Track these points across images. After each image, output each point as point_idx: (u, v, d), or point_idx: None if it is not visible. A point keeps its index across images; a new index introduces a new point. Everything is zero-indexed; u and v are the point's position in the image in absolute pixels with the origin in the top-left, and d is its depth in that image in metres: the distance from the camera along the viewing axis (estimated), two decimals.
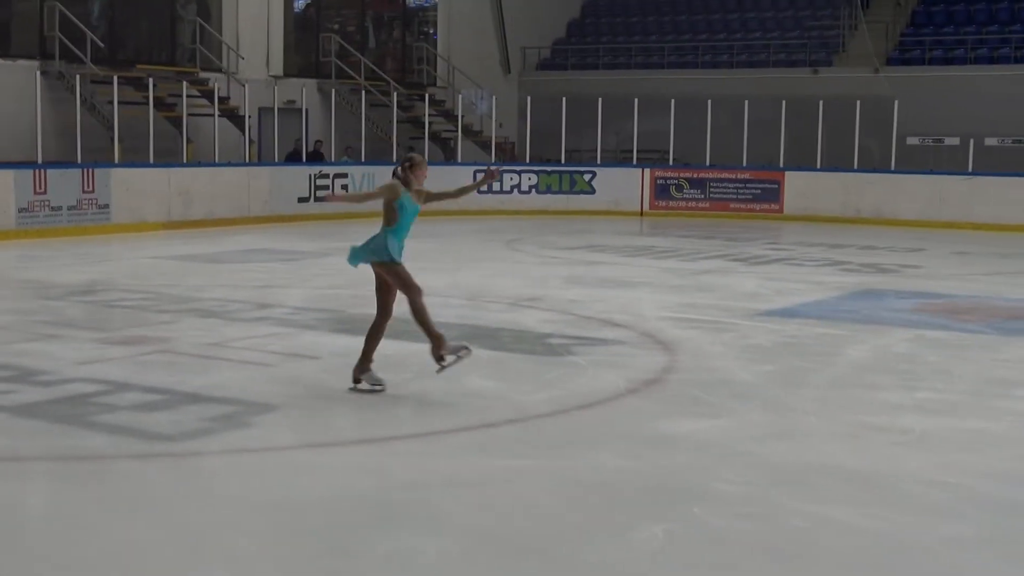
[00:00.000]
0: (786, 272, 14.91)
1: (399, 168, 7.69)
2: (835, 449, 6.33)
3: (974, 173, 24.25)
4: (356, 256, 7.57)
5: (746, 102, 25.85)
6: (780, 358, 8.95)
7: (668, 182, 25.80)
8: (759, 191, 25.39)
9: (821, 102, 25.36)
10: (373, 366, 7.52)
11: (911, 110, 25.90)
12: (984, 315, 11.41)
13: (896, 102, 25.55)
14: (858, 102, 25.31)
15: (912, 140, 25.68)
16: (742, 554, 4.70)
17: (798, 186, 24.98)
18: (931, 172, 24.86)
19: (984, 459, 6.18)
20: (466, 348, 7.62)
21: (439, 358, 7.49)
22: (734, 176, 25.65)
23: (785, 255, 17.33)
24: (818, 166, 25.34)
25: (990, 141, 24.84)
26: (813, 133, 25.29)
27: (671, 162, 26.30)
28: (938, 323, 10.84)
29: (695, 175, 25.82)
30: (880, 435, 6.67)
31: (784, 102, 25.71)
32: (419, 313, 7.41)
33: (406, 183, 7.62)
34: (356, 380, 7.54)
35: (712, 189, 25.63)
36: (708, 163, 26.00)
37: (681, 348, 9.21)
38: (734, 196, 25.48)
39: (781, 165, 25.56)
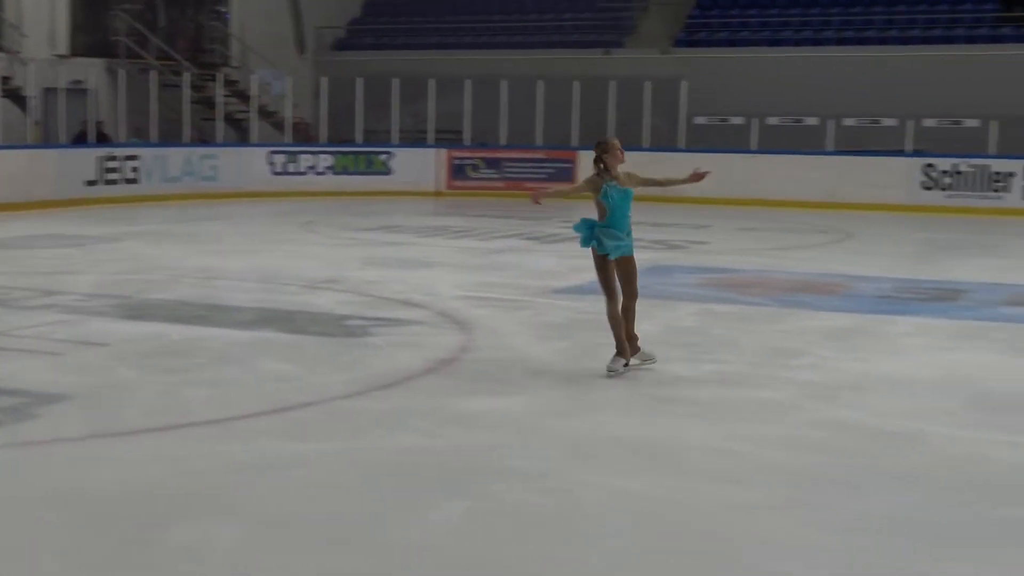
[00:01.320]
0: (580, 250, 15.13)
1: (595, 159, 7.85)
2: (627, 422, 6.48)
3: (758, 151, 25.10)
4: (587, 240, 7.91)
5: (540, 82, 26.14)
6: (575, 334, 9.10)
7: (464, 162, 25.91)
8: (554, 170, 25.72)
9: (612, 83, 25.83)
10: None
11: (698, 90, 26.58)
12: (767, 288, 11.84)
13: (684, 83, 26.19)
14: (648, 83, 25.86)
15: (699, 119, 26.35)
16: (540, 529, 4.77)
17: (591, 165, 25.42)
18: (717, 150, 25.58)
19: (769, 427, 6.41)
20: (653, 358, 7.85)
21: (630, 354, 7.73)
22: (529, 156, 25.93)
23: None
24: None
25: (772, 120, 25.68)
26: (605, 113, 25.75)
27: (467, 142, 26.40)
28: (724, 297, 11.19)
29: (491, 155, 26.00)
30: (670, 407, 6.85)
31: (577, 83, 26.08)
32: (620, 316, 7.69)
33: (607, 171, 7.80)
34: (625, 364, 7.63)
35: (508, 169, 25.85)
36: (503, 143, 26.21)
37: (478, 327, 9.27)
38: (529, 175, 25.75)
39: (575, 145, 25.93)
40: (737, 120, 26.00)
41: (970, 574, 4.37)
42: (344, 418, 6.56)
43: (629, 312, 7.81)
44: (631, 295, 7.85)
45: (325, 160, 24.92)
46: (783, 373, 7.81)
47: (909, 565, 4.48)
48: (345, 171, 25.04)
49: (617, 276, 7.86)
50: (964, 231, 19.92)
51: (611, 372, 7.60)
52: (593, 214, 7.97)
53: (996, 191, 23.81)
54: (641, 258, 14.07)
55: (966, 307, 10.86)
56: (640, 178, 8.07)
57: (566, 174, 25.59)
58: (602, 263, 7.87)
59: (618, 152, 7.94)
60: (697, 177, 8.25)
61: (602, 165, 7.95)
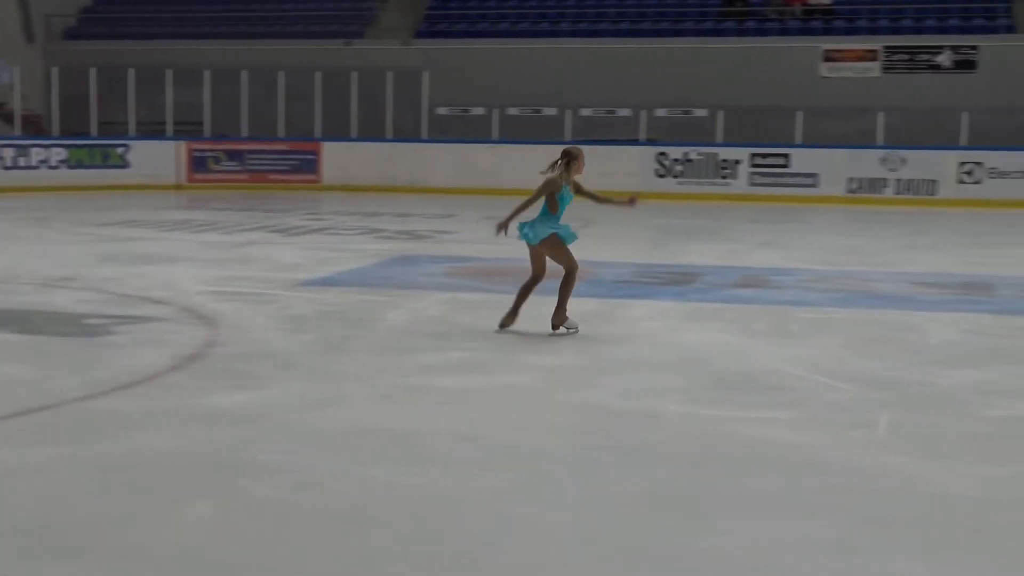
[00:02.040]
0: (325, 242, 15.06)
1: (557, 163, 8.81)
2: (376, 412, 6.48)
3: (499, 141, 25.46)
4: (534, 236, 8.86)
5: (281, 73, 25.79)
6: (322, 326, 9.04)
7: (205, 155, 25.36)
8: (297, 162, 25.46)
9: (354, 74, 25.71)
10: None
11: (440, 81, 26.75)
12: (513, 276, 12.02)
13: (425, 74, 26.31)
14: (390, 74, 25.86)
15: (442, 110, 26.55)
16: (292, 523, 4.72)
17: (335, 157, 25.28)
18: (460, 141, 25.84)
19: (513, 412, 6.52)
20: (576, 328, 8.80)
21: (555, 326, 8.82)
22: (271, 148, 25.57)
23: (324, 225, 17.48)
24: (354, 136, 25.70)
25: (512, 111, 26.10)
26: (348, 104, 25.61)
27: (207, 134, 25.83)
28: (470, 285, 11.32)
29: (232, 147, 25.51)
30: (419, 395, 6.89)
31: (319, 73, 25.86)
32: (569, 284, 8.82)
33: (567, 174, 8.80)
34: (555, 327, 8.78)
35: (250, 161, 25.44)
36: (245, 135, 25.76)
37: (223, 321, 9.10)
38: (272, 168, 25.41)
39: (318, 136, 25.72)
40: (478, 111, 26.33)
41: (711, 546, 4.56)
42: (84, 421, 6.32)
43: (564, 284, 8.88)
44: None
45: (58, 154, 23.95)
46: (527, 359, 7.96)
47: (650, 540, 4.63)
48: (80, 165, 24.13)
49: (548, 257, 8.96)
50: (696, 217, 20.73)
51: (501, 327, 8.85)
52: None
53: (724, 178, 24.89)
54: (388, 248, 14.14)
55: (700, 290, 11.31)
56: (578, 185, 9.02)
57: (310, 166, 25.36)
58: (556, 243, 8.93)
59: (581, 165, 8.95)
60: (631, 203, 9.26)
61: (563, 169, 8.84)
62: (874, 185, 24.11)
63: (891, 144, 24.39)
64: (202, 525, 4.73)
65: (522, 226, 8.99)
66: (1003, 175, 23.81)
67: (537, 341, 8.58)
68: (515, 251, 14.35)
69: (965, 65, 26.90)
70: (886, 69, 27.19)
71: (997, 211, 22.83)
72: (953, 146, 24.40)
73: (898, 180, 24.23)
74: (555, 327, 8.88)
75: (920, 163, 24.17)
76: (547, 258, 9.02)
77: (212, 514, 4.84)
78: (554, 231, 8.91)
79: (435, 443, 5.89)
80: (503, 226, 8.99)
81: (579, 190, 9.02)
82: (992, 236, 18.05)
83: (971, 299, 10.98)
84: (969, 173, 23.98)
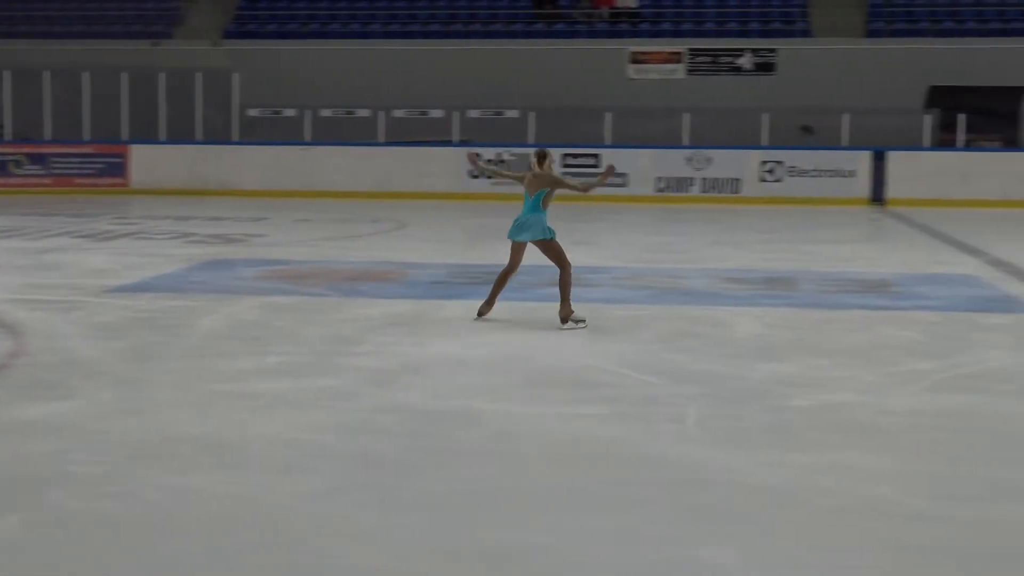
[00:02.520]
0: (135, 246, 14.69)
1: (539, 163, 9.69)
2: (190, 420, 6.35)
3: (312, 143, 25.24)
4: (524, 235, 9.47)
5: (85, 74, 25.04)
6: (132, 333, 8.81)
7: (6, 158, 24.45)
8: (104, 165, 24.76)
9: (162, 74, 25.15)
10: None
11: (251, 82, 26.37)
12: (327, 278, 11.94)
13: (236, 75, 25.89)
14: (199, 75, 25.38)
15: (252, 112, 26.18)
16: (107, 534, 4.59)
17: (144, 159, 24.69)
18: (271, 143, 25.52)
19: (330, 415, 6.48)
20: (584, 321, 9.27)
21: (564, 320, 9.23)
22: (77, 151, 24.80)
23: (133, 229, 17.05)
24: (162, 139, 25.14)
25: (325, 112, 25.90)
26: (156, 106, 25.03)
27: (9, 137, 24.92)
28: (284, 289, 11.19)
29: (35, 150, 24.67)
30: (233, 401, 6.77)
31: (125, 74, 25.20)
32: (567, 284, 9.27)
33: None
34: (563, 321, 9.22)
35: (54, 164, 24.63)
36: (49, 138, 24.94)
37: (29, 330, 8.79)
38: (78, 171, 24.65)
39: (125, 138, 25.07)
40: (290, 112, 26.05)
41: (528, 542, 4.61)
42: None
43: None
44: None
45: None
46: (344, 361, 7.92)
47: (469, 538, 4.66)
48: None
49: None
50: (510, 216, 20.85)
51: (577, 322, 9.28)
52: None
53: None
54: (200, 253, 13.88)
55: (514, 289, 11.40)
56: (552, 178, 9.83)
57: (117, 169, 24.70)
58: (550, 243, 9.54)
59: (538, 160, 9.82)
60: (610, 172, 9.66)
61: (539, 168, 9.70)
62: (681, 184, 24.72)
63: (696, 144, 25.04)
64: (8, 539, 4.56)
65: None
66: (802, 173, 24.71)
67: (354, 343, 8.54)
68: (330, 254, 14.28)
69: (765, 67, 27.81)
70: (691, 71, 27.91)
71: (797, 208, 23.68)
72: (755, 146, 25.21)
73: (704, 179, 24.90)
74: (563, 321, 9.25)
75: (724, 162, 24.89)
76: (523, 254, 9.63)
77: (19, 527, 4.68)
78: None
79: (251, 449, 5.81)
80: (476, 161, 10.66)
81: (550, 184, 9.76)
82: (793, 232, 18.71)
83: (775, 294, 11.35)
84: (770, 172, 24.81)
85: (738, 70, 27.88)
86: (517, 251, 9.62)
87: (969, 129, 25.30)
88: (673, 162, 24.97)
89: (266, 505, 4.99)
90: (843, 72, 27.28)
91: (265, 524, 4.76)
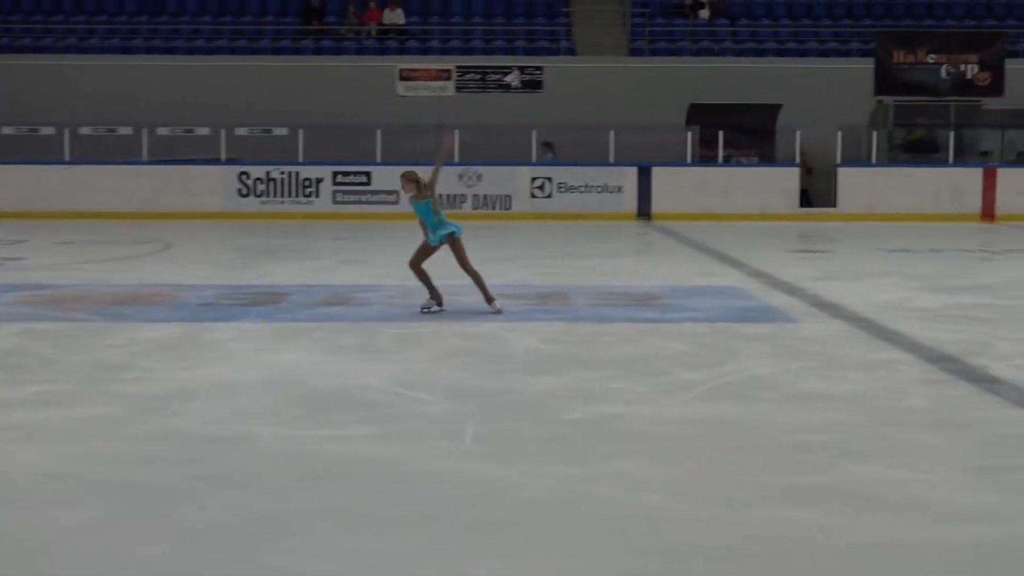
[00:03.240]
0: None
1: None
2: None
3: (72, 162, 24.41)
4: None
5: None
6: None
7: None
8: None
9: None
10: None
11: (4, 99, 25.37)
12: (91, 303, 11.56)
13: None
14: None
15: (7, 130, 25.18)
16: None
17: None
18: (29, 162, 24.58)
19: (99, 445, 6.27)
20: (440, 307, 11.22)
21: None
22: None
23: None
24: None
25: (85, 130, 25.09)
26: None
27: None
28: (46, 315, 10.78)
29: None
30: None
31: None
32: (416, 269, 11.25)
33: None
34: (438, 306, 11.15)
35: None
36: None
37: None
38: None
39: None
40: (48, 130, 25.15)
41: (306, 567, 4.57)
42: None
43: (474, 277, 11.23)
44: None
45: None
46: (112, 388, 7.68)
47: (246, 564, 4.59)
48: None
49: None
50: (280, 236, 20.68)
51: (424, 309, 11.15)
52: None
53: (307, 196, 24.96)
54: None
55: (286, 309, 11.29)
56: (426, 184, 11.20)
57: None
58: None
59: (404, 183, 11.17)
60: (448, 139, 12.25)
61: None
62: (453, 200, 24.92)
63: (467, 160, 25.29)
64: None
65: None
66: (570, 189, 25.22)
67: (121, 369, 8.29)
68: (94, 277, 13.83)
69: (532, 85, 28.31)
70: (459, 88, 28.18)
71: (568, 223, 24.16)
72: (525, 162, 25.62)
73: (475, 195, 25.16)
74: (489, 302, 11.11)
75: (495, 179, 25.20)
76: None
77: None
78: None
79: (16, 483, 5.57)
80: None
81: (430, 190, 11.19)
82: (564, 247, 19.08)
83: (548, 308, 11.55)
84: (541, 188, 25.25)
85: (506, 87, 28.32)
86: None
87: (727, 145, 26.34)
88: (444, 179, 25.10)
89: (31, 540, 4.80)
90: (608, 90, 28.04)
91: (30, 560, 4.57)
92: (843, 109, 27.35)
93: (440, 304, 11.19)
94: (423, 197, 11.10)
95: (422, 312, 11.10)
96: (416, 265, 11.21)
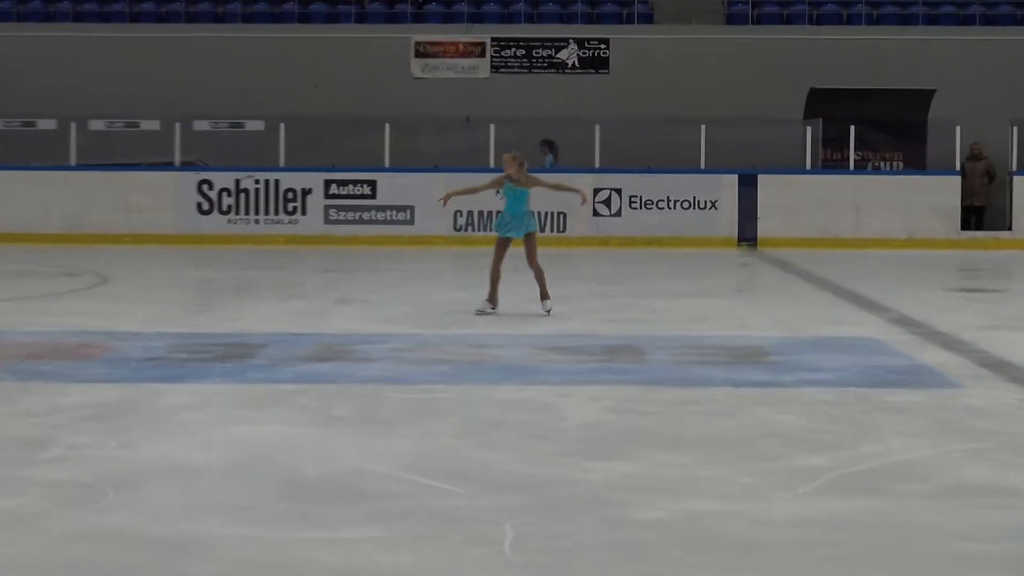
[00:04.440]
0: None
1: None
2: None
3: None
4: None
5: None
6: None
7: None
8: None
9: None
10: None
11: None
12: None
13: None
14: None
15: None
16: None
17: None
18: None
19: (8, 549, 6.27)
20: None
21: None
22: None
23: None
24: None
25: None
26: None
27: None
28: None
29: None
30: None
31: None
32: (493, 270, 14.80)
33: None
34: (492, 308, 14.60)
35: None
36: None
37: None
38: None
39: None
40: None
41: None
42: None
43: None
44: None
45: None
46: (25, 472, 7.69)
47: None
48: None
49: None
50: (254, 266, 20.75)
51: (479, 311, 14.56)
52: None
53: (290, 213, 25.04)
54: None
55: (260, 367, 11.30)
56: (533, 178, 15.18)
57: None
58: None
59: (508, 160, 15.01)
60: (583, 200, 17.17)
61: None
62: (489, 219, 24.92)
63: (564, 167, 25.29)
64: None
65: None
66: (647, 205, 25.19)
67: (39, 446, 8.30)
68: (5, 321, 13.90)
69: (595, 64, 28.39)
70: (496, 68, 28.28)
71: (642, 251, 24.15)
72: (585, 168, 25.62)
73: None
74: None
75: (544, 190, 25.18)
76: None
77: None
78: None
79: None
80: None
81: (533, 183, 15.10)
82: (637, 283, 19.05)
83: (615, 367, 11.50)
84: (607, 203, 25.23)
85: (560, 67, 28.41)
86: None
87: (861, 145, 26.26)
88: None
89: None
90: (697, 71, 28.05)
91: None
92: (1020, 96, 27.26)
93: (494, 308, 14.51)
94: (525, 184, 14.70)
95: (476, 314, 14.33)
96: (498, 267, 14.60)
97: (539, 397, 10.07)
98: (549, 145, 26.40)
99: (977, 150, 26.47)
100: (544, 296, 14.56)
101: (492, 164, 25.51)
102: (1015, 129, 25.85)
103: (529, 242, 14.60)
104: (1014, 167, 25.87)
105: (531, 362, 11.68)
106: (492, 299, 14.56)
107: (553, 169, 25.63)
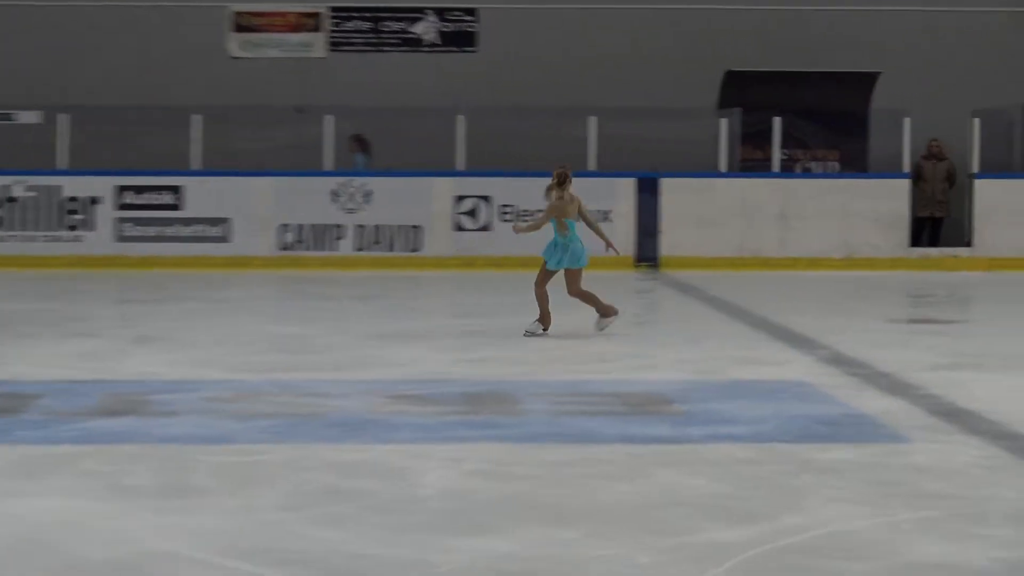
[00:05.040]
0: None
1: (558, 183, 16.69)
2: None
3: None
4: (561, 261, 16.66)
5: None
6: None
7: None
8: None
9: None
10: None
11: None
12: None
13: None
14: None
15: None
16: None
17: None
18: None
19: None
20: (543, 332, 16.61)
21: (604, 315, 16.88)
22: None
23: None
24: None
25: None
26: None
27: None
28: None
29: None
30: None
31: None
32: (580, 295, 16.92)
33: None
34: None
35: None
36: None
37: None
38: None
39: None
40: None
41: None
42: None
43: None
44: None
45: None
46: None
47: None
48: None
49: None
50: (28, 296, 20.56)
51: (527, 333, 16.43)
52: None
53: (72, 228, 24.82)
54: None
55: (33, 422, 11.18)
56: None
57: None
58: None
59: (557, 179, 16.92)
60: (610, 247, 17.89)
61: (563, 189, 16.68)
62: (323, 235, 24.84)
63: (347, 168, 25.27)
64: None
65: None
66: (523, 215, 25.17)
67: None
68: None
69: (458, 40, 28.40)
70: (336, 44, 28.22)
71: (514, 274, 24.13)
72: (444, 171, 25.59)
73: (360, 226, 25.07)
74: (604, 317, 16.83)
75: (394, 198, 25.14)
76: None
77: None
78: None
79: None
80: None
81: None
82: (509, 315, 19.07)
83: (481, 420, 11.51)
84: (472, 214, 25.22)
85: (414, 43, 28.42)
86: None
87: (789, 141, 26.47)
88: (308, 199, 25.12)
89: None
90: (586, 50, 28.16)
91: None
92: (983, 82, 27.66)
93: (546, 329, 16.41)
94: (575, 216, 16.73)
95: (525, 335, 16.18)
96: (542, 286, 16.45)
97: (387, 459, 10.06)
98: (360, 142, 26.37)
99: (936, 148, 26.78)
100: (604, 312, 16.84)
101: (327, 166, 25.46)
102: (977, 122, 26.14)
103: (573, 274, 16.84)
104: (976, 168, 26.16)
105: (377, 414, 11.66)
106: (544, 319, 16.51)
107: (366, 172, 25.61)
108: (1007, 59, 27.81)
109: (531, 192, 25.23)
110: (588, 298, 16.76)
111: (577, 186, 25.09)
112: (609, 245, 17.75)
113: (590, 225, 17.38)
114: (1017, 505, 8.88)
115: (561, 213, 16.64)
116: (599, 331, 16.60)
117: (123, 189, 24.85)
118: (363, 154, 26.41)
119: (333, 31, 28.30)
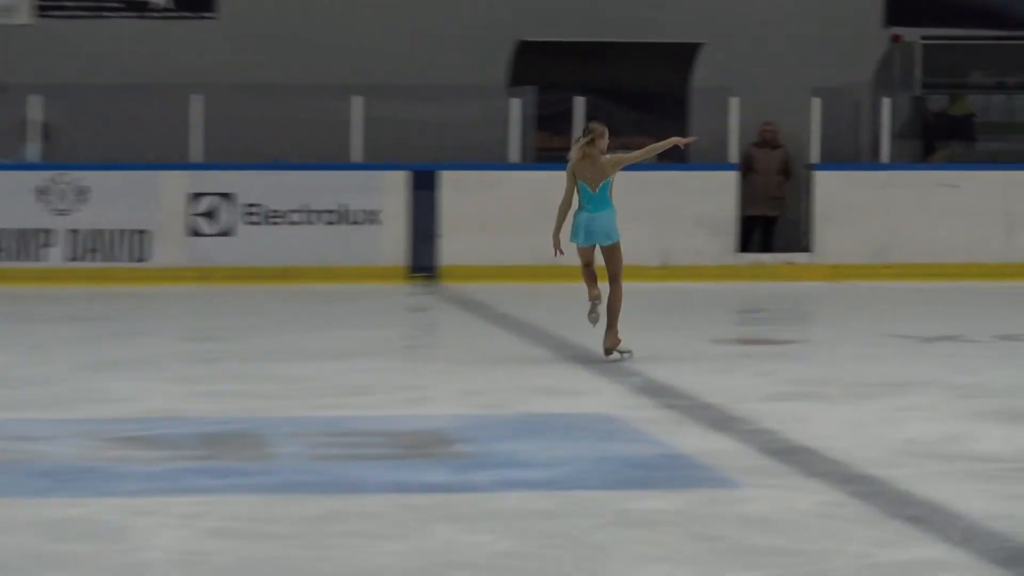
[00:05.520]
0: None
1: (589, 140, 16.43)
2: None
3: None
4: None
5: None
6: None
7: None
8: None
9: None
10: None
11: None
12: None
13: None
14: None
15: None
16: None
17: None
18: None
19: None
20: (630, 352, 16.26)
21: (609, 351, 16.24)
22: None
23: None
24: None
25: None
26: None
27: None
28: None
29: None
30: None
31: None
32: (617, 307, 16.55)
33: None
34: (608, 352, 16.28)
35: None
36: None
37: None
38: None
39: None
40: None
41: None
42: None
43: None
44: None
45: None
46: None
47: None
48: None
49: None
50: None
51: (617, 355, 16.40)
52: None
53: None
54: None
55: None
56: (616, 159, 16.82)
57: None
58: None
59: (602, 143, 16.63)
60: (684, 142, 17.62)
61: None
62: (28, 242, 24.62)
63: (53, 162, 25.05)
64: None
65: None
66: (271, 218, 25.09)
67: None
68: None
69: (194, 5, 28.30)
70: (44, 11, 28.00)
71: (263, 288, 24.13)
72: (176, 165, 25.47)
73: (72, 231, 24.89)
74: (608, 352, 16.00)
75: (116, 196, 24.97)
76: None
77: None
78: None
79: None
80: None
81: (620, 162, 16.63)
82: (255, 338, 19.02)
83: (220, 466, 11.46)
84: (207, 215, 25.09)
85: (142, 8, 28.27)
86: (586, 254, 16.68)
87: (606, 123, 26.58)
88: (8, 198, 24.89)
89: None
90: (349, 16, 28.15)
91: None
92: (822, 55, 28.05)
93: (596, 311, 16.54)
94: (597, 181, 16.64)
95: (614, 359, 16.34)
96: (584, 269, 16.76)
97: (105, 516, 9.96)
98: (42, 128, 26.08)
99: (769, 133, 27.05)
100: (609, 349, 16.39)
101: (39, 157, 25.24)
102: (818, 102, 26.41)
103: (614, 254, 16.85)
104: (816, 158, 26.40)
105: (92, 461, 11.54)
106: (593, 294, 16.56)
107: (43, 166, 25.34)
108: (853, 29, 28.16)
109: (282, 189, 25.17)
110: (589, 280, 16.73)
111: (338, 181, 25.17)
112: (677, 143, 17.19)
113: (640, 158, 17.37)
114: (862, 561, 8.96)
115: (580, 175, 16.68)
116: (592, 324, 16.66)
117: None
118: (30, 145, 25.97)
119: None
